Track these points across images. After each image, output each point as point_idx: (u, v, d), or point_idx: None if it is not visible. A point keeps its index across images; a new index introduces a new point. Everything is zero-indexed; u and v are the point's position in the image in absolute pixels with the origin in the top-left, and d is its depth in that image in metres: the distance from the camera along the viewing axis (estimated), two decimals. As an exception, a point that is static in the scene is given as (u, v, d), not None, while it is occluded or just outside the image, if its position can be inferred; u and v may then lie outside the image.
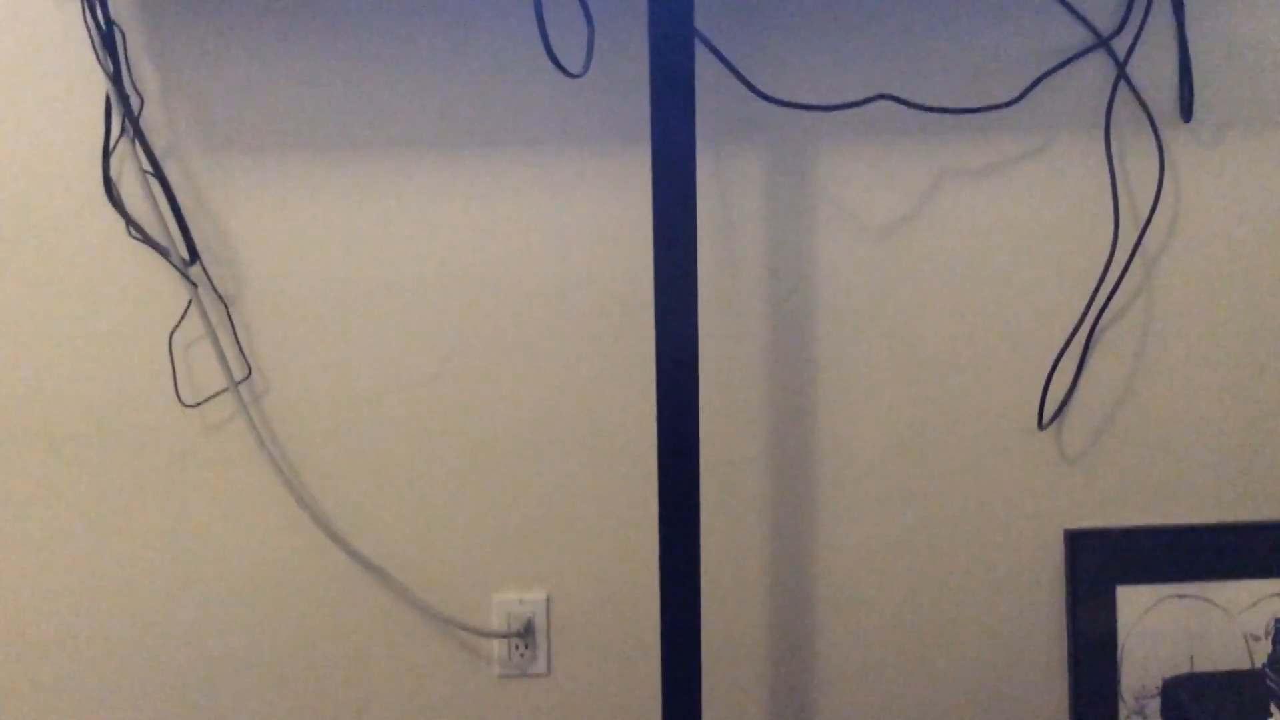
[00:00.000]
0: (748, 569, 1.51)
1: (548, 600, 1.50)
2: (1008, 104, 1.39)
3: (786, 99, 1.37)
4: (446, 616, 1.49)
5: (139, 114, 1.36)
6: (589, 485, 1.48)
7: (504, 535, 1.48)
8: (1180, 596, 1.51)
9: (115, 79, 1.33)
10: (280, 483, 1.44)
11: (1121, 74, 1.40)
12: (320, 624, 1.49)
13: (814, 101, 1.38)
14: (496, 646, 1.51)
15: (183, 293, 1.40)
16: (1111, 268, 1.44)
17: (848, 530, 1.50)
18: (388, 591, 1.48)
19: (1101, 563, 1.50)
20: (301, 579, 1.48)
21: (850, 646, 1.53)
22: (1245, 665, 1.51)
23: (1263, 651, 1.50)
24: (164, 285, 1.40)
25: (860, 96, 1.38)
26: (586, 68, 1.22)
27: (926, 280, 1.45)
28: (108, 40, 1.32)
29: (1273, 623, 1.35)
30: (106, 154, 1.36)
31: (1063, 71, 1.40)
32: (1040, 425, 1.48)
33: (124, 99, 1.34)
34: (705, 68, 1.35)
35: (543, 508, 1.48)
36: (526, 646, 1.51)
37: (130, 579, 1.47)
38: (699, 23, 1.33)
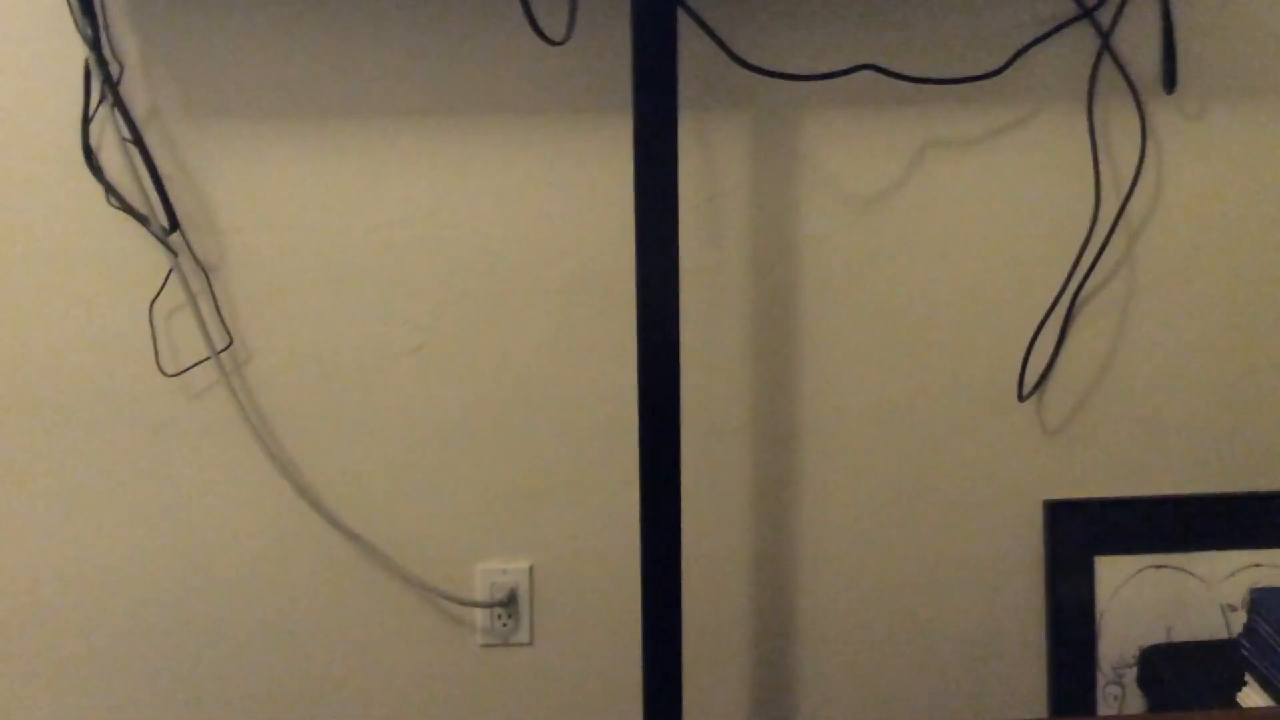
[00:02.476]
0: (730, 539, 1.51)
1: (531, 570, 1.51)
2: (991, 74, 1.39)
3: (770, 68, 1.36)
4: (429, 586, 1.49)
5: (119, 81, 1.35)
6: (572, 455, 1.48)
7: (487, 505, 1.49)
8: (1158, 567, 1.52)
9: (95, 45, 1.32)
10: (262, 452, 1.44)
11: (1105, 45, 1.40)
12: (302, 593, 1.49)
13: (798, 71, 1.38)
14: (480, 616, 1.51)
15: (163, 261, 1.39)
16: (1093, 239, 1.45)
17: (829, 501, 1.51)
18: (370, 561, 1.49)
19: (1080, 533, 1.51)
20: (283, 549, 1.48)
21: (832, 617, 1.54)
22: (1222, 635, 1.52)
23: (1240, 621, 1.51)
24: (144, 254, 1.40)
25: (844, 66, 1.37)
26: (568, 35, 1.22)
27: (909, 251, 1.45)
28: (86, 6, 1.31)
29: (1249, 593, 1.37)
30: (86, 122, 1.35)
31: (1046, 42, 1.40)
32: (1020, 397, 1.49)
33: (103, 66, 1.33)
34: (688, 36, 1.35)
35: (526, 477, 1.48)
36: (510, 616, 1.51)
37: (110, 548, 1.47)
38: (682, -9, 1.32)
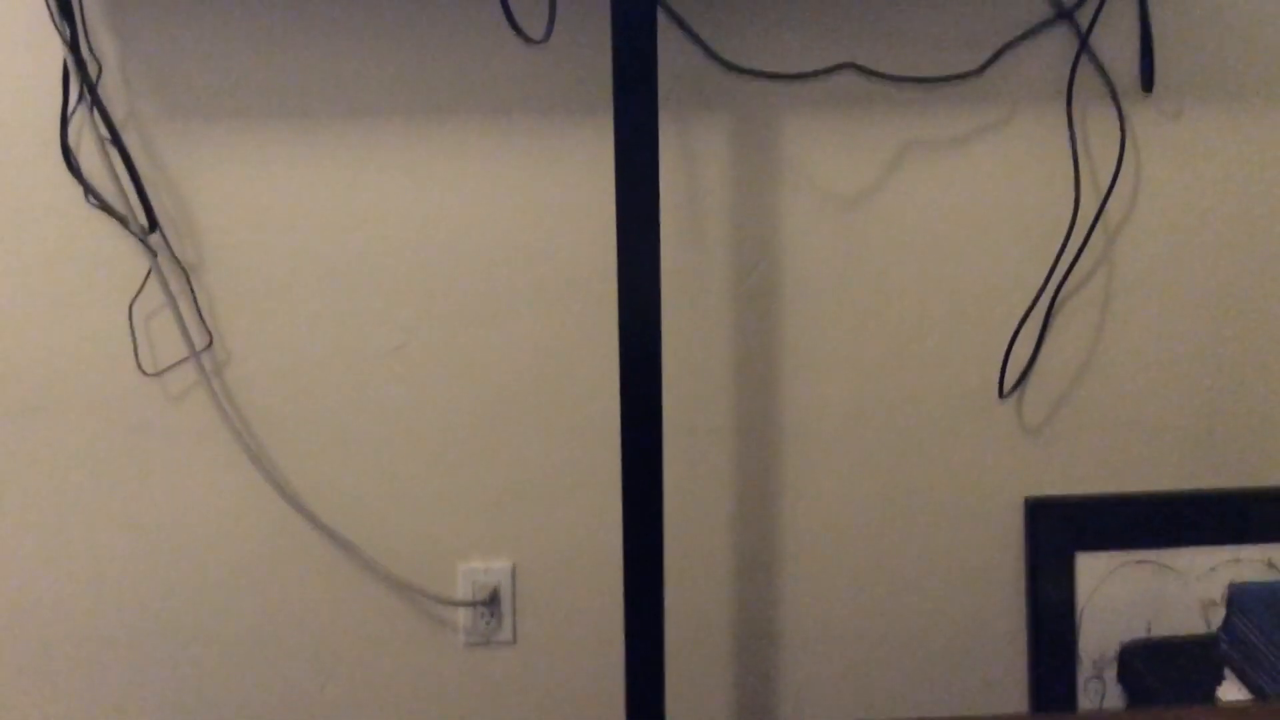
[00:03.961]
0: (712, 538, 1.51)
1: (513, 569, 1.51)
2: (971, 74, 1.40)
3: (751, 67, 1.36)
4: (412, 585, 1.49)
5: (97, 81, 1.34)
6: (554, 454, 1.48)
7: (469, 504, 1.49)
8: (1138, 563, 1.52)
9: (73, 45, 1.31)
10: (242, 452, 1.44)
11: (1083, 45, 1.41)
12: (285, 594, 1.49)
13: (778, 70, 1.38)
14: (462, 615, 1.51)
15: (143, 261, 1.39)
16: (1072, 239, 1.45)
17: (811, 500, 1.51)
18: (352, 561, 1.48)
19: (1061, 530, 1.51)
20: (265, 549, 1.48)
21: (813, 615, 1.54)
22: (1202, 631, 1.53)
23: (1219, 617, 1.52)
24: (123, 254, 1.39)
25: (824, 66, 1.38)
26: (548, 35, 1.22)
27: (890, 250, 1.45)
28: (64, 6, 1.30)
29: (1228, 589, 1.37)
30: (64, 121, 1.34)
31: (1025, 43, 1.40)
32: (1001, 395, 1.49)
33: (81, 66, 1.32)
34: (668, 35, 1.35)
35: (508, 477, 1.48)
36: (492, 615, 1.51)
37: (89, 548, 1.46)
38: (663, -9, 1.32)
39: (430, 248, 1.42)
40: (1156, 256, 1.48)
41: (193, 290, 1.41)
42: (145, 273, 1.39)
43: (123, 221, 1.37)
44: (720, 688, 1.55)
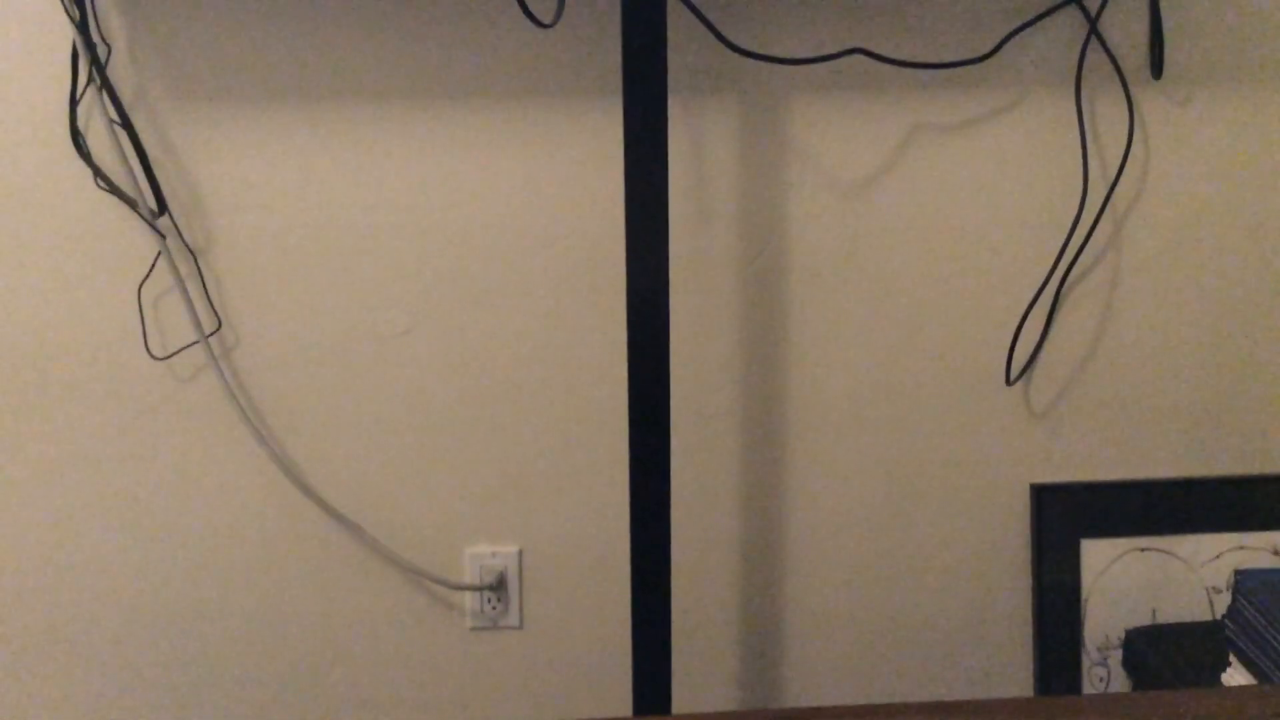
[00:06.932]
0: (718, 522, 1.52)
1: (520, 553, 1.51)
2: (979, 59, 1.39)
3: (759, 52, 1.36)
4: (418, 569, 1.49)
5: (106, 63, 1.34)
6: (561, 438, 1.48)
7: (476, 488, 1.49)
8: (1143, 550, 1.53)
9: (82, 27, 1.31)
10: (251, 436, 1.44)
11: (1093, 30, 1.40)
12: (292, 577, 1.49)
13: (787, 55, 1.38)
14: (469, 599, 1.52)
15: (151, 244, 1.39)
16: (1080, 225, 1.45)
17: (817, 484, 1.51)
18: (359, 544, 1.49)
19: (1066, 516, 1.51)
20: (272, 532, 1.48)
21: (819, 599, 1.54)
22: (1207, 617, 1.53)
23: (1224, 603, 1.52)
24: (132, 237, 1.39)
25: (833, 50, 1.37)
26: (558, 18, 1.22)
27: (897, 235, 1.45)
28: (73, -12, 1.30)
29: (1234, 575, 1.37)
30: (73, 104, 1.34)
31: (1034, 27, 1.40)
32: (1008, 380, 1.49)
33: (91, 48, 1.32)
34: (678, 19, 1.34)
35: (515, 460, 1.48)
36: (499, 599, 1.51)
37: (98, 532, 1.47)
38: (672, -25, 1.32)
39: (437, 231, 1.42)
40: (1164, 243, 1.48)
41: (201, 274, 1.41)
42: (154, 256, 1.39)
43: (131, 205, 1.37)
44: (726, 671, 1.56)
